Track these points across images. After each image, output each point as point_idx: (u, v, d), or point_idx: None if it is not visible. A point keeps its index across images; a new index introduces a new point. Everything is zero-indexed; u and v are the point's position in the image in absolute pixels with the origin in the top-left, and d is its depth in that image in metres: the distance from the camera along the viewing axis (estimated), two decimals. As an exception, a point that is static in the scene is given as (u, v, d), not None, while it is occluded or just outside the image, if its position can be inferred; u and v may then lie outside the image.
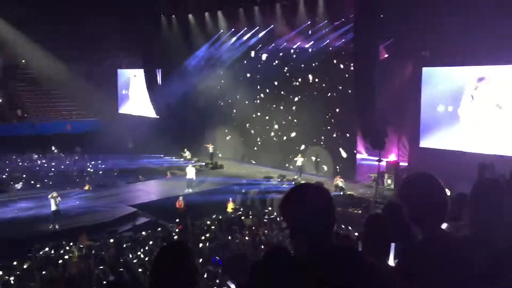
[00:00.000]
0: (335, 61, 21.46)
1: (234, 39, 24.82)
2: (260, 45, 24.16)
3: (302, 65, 22.71)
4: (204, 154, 26.47)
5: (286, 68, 23.67)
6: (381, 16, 17.82)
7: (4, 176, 23.28)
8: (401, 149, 19.56)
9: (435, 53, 17.82)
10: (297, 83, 23.31)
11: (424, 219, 2.21)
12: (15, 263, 12.17)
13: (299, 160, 21.54)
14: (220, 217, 16.74)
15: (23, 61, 28.89)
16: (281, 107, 24.08)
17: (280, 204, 2.02)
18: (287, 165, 23.59)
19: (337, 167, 21.34)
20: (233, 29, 24.60)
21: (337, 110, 21.65)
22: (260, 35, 23.62)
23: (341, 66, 21.17)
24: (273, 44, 23.46)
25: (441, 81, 18.08)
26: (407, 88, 18.89)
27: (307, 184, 2.08)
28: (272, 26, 22.80)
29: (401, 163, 19.02)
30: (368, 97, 17.87)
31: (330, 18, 20.58)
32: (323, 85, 22.11)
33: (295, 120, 23.58)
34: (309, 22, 21.17)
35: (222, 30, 25.00)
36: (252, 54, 24.84)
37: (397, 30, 18.17)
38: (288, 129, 23.98)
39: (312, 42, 21.86)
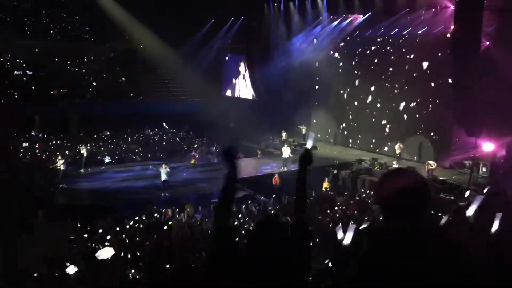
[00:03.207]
0: (434, 48, 21.02)
1: (334, 24, 25.34)
2: (358, 32, 24.50)
3: (400, 52, 22.72)
4: (299, 135, 27.40)
5: (383, 55, 23.72)
6: (484, 1, 17.42)
7: (123, 148, 26.02)
8: (500, 137, 19.01)
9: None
10: (394, 70, 23.26)
11: None
12: (131, 223, 13.38)
13: (398, 147, 21.37)
14: (313, 194, 17.44)
15: (141, 46, 31.60)
16: (377, 93, 24.24)
17: (376, 186, 2.06)
18: (378, 150, 24.01)
19: (433, 153, 20.96)
20: (331, 16, 25.22)
21: (435, 97, 21.37)
22: (358, 21, 23.99)
23: (440, 53, 20.74)
24: (370, 31, 23.66)
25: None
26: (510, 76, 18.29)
27: (401, 169, 2.09)
28: (370, 13, 23.04)
29: (498, 152, 18.56)
30: (467, 84, 17.64)
31: (429, 4, 20.37)
32: (421, 72, 21.89)
33: (392, 104, 23.55)
34: (407, 9, 21.12)
35: (321, 17, 25.72)
36: (349, 41, 25.26)
37: (500, 16, 17.66)
38: (382, 114, 24.14)
39: (410, 28, 21.76)
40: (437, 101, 21.22)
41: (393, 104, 23.48)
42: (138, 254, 9.45)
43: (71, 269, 6.30)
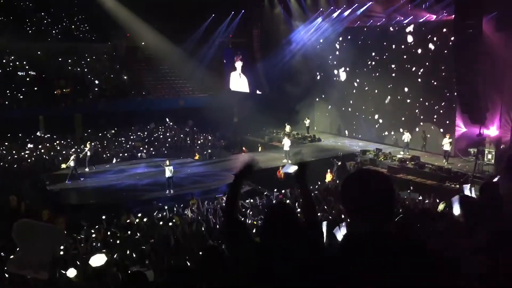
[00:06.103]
0: (435, 36, 21.01)
1: (335, 15, 25.13)
2: (359, 22, 24.32)
3: (401, 42, 22.53)
4: (303, 128, 27.41)
5: (384, 45, 23.53)
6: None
7: (128, 146, 26.00)
8: (504, 123, 18.89)
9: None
10: (396, 59, 23.07)
11: None
12: (137, 220, 13.35)
13: (406, 136, 21.28)
14: (317, 186, 17.51)
15: (143, 43, 31.62)
16: (379, 83, 24.03)
17: (341, 185, 2.00)
18: (382, 140, 23.91)
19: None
20: (332, 7, 25.05)
21: (438, 85, 21.23)
22: (359, 12, 23.81)
23: (441, 41, 20.68)
24: (371, 21, 23.51)
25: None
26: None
27: (368, 170, 2.04)
28: (371, 2, 22.86)
29: (503, 138, 18.43)
30: (469, 70, 17.51)
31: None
32: (422, 60, 21.77)
33: (396, 94, 23.38)
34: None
35: (321, 8, 25.57)
36: (350, 31, 25.10)
37: (501, 2, 17.53)
38: (386, 105, 23.98)
39: (411, 17, 21.62)
40: (441, 89, 21.07)
41: (396, 94, 23.35)
42: (144, 251, 9.48)
43: (71, 272, 6.16)
